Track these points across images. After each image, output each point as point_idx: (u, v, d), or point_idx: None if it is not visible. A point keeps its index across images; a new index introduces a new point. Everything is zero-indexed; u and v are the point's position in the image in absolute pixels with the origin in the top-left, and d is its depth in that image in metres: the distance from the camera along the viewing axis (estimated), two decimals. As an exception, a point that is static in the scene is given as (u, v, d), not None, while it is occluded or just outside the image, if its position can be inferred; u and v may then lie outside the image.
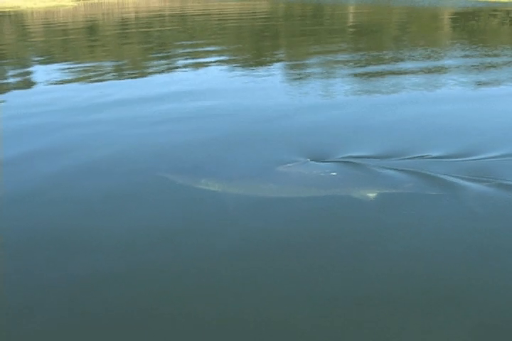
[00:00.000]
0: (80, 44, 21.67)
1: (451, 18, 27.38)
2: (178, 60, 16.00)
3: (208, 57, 16.31)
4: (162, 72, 13.79)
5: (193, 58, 16.26)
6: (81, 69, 14.64)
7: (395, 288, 4.14)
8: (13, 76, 14.13)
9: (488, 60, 14.23)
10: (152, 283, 4.25)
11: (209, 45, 19.62)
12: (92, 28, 28.52)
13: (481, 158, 6.44)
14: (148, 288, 4.18)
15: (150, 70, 14.27)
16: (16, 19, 33.43)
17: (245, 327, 3.76)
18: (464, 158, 6.45)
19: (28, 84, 12.85)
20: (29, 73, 14.59)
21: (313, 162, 6.33)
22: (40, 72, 14.23)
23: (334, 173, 5.99)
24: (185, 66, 14.68)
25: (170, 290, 4.16)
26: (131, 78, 13.03)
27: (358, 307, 3.93)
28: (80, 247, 4.79)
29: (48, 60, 16.91)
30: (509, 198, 5.47)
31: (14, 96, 11.30)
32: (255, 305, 3.96)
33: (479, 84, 11.43)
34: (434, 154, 6.58)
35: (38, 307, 3.98)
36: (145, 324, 3.79)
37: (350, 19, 30.52)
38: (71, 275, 4.36)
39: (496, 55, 15.09)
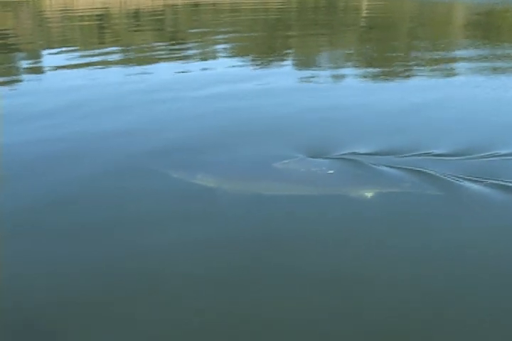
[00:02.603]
0: (92, 30, 21.43)
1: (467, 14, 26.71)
2: (186, 48, 15.68)
3: (217, 45, 16.01)
4: (167, 60, 13.47)
5: (201, 47, 15.94)
6: (89, 55, 14.41)
7: (391, 291, 3.82)
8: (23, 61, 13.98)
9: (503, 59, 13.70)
10: (137, 276, 4.02)
11: (220, 33, 19.29)
12: (106, 16, 28.21)
13: (486, 157, 5.99)
14: (132, 283, 3.95)
15: (154, 59, 13.86)
16: (33, 5, 33.16)
17: (236, 327, 3.52)
18: (469, 156, 6.00)
19: (28, 70, 12.67)
20: (34, 58, 14.44)
21: (310, 158, 5.96)
22: (47, 57, 14.03)
23: (331, 171, 5.62)
24: (193, 55, 14.37)
25: (155, 286, 3.93)
26: (133, 65, 12.71)
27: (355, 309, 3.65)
28: (65, 237, 4.57)
29: (56, 45, 16.69)
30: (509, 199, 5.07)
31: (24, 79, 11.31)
32: (243, 302, 3.74)
33: (491, 79, 10.97)
34: (438, 152, 6.13)
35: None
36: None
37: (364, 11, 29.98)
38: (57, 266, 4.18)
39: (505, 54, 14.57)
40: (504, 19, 23.37)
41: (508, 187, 5.23)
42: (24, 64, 13.73)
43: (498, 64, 12.30)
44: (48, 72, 12.41)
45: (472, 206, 4.97)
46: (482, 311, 3.62)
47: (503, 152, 6.09)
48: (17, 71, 12.90)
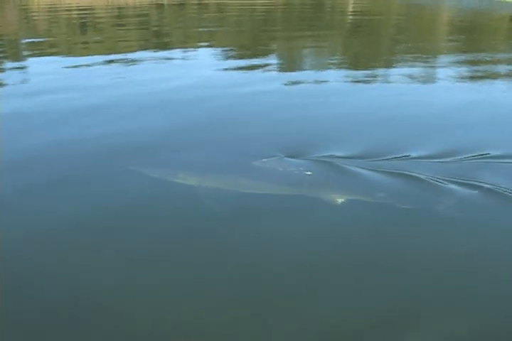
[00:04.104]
0: (77, 25, 21.19)
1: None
2: (169, 46, 15.49)
3: (200, 43, 15.83)
4: (148, 57, 13.26)
5: (185, 44, 15.77)
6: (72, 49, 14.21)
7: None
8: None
9: (486, 55, 13.67)
10: (118, 280, 3.91)
11: (204, 31, 19.10)
12: (92, 12, 27.89)
13: (468, 159, 5.87)
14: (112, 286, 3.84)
15: (138, 56, 13.63)
16: (20, 1, 32.71)
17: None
18: (449, 159, 5.86)
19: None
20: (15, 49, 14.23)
21: (290, 159, 5.82)
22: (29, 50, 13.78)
23: (309, 172, 5.47)
24: (175, 52, 14.20)
25: (137, 286, 3.84)
26: (117, 65, 12.47)
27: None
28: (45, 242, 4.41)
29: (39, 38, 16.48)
30: (491, 202, 4.98)
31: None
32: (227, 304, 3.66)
33: (474, 80, 10.90)
34: (419, 155, 5.99)
35: None
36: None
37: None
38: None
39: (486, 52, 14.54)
40: (487, 22, 23.40)
41: (485, 189, 5.13)
42: (5, 56, 13.55)
43: (480, 66, 12.27)
44: (29, 65, 12.24)
45: (447, 210, 4.83)
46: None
47: (482, 154, 5.98)
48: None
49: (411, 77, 10.74)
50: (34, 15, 26.07)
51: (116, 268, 4.05)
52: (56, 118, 7.61)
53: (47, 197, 5.17)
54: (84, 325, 3.48)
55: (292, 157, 5.87)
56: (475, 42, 16.49)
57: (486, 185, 5.19)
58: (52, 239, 4.44)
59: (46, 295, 3.74)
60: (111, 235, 4.50)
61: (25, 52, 14.43)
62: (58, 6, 30.63)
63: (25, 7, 30.05)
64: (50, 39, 17.24)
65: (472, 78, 10.90)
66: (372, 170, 5.56)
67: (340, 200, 4.98)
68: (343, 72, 11.52)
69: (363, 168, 5.60)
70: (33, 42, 16.14)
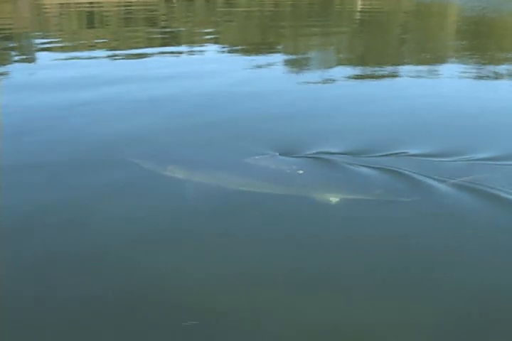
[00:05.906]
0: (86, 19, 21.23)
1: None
2: (174, 39, 15.45)
3: (205, 38, 15.80)
4: (156, 53, 13.24)
5: (190, 38, 15.74)
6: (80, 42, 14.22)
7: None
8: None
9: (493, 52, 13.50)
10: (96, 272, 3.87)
11: (212, 24, 19.04)
12: (102, 6, 27.88)
13: (464, 160, 5.71)
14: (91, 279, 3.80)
15: (143, 50, 13.59)
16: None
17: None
18: (445, 159, 5.72)
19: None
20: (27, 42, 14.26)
21: (282, 156, 5.70)
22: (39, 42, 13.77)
23: (301, 171, 5.35)
24: (180, 44, 14.18)
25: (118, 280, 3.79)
26: (123, 58, 12.43)
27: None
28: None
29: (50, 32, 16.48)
30: (485, 204, 4.85)
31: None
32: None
33: (477, 75, 10.76)
34: (413, 152, 5.86)
35: None
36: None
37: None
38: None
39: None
40: (495, 22, 23.17)
41: (480, 190, 5.01)
42: (15, 48, 13.58)
43: (487, 65, 12.11)
44: (38, 57, 12.27)
45: (441, 209, 4.76)
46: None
47: (479, 155, 5.83)
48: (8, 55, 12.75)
49: (411, 77, 10.61)
50: (46, 9, 26.14)
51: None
52: (66, 110, 7.68)
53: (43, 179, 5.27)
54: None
55: (286, 154, 5.76)
56: (483, 40, 16.29)
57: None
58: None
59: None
60: (94, 223, 4.49)
61: (34, 45, 14.45)
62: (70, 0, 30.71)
63: (37, 2, 30.11)
64: (60, 32, 17.29)
65: (479, 75, 10.77)
66: (365, 166, 5.45)
67: (332, 198, 4.87)
68: (344, 72, 11.32)
69: (356, 165, 5.49)
70: (43, 35, 16.19)
